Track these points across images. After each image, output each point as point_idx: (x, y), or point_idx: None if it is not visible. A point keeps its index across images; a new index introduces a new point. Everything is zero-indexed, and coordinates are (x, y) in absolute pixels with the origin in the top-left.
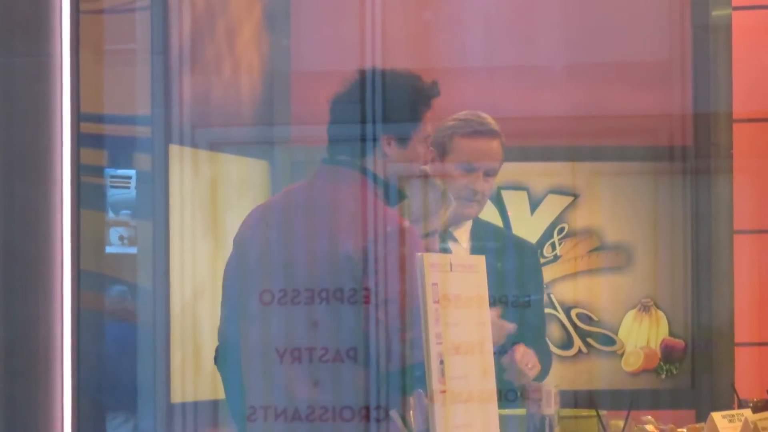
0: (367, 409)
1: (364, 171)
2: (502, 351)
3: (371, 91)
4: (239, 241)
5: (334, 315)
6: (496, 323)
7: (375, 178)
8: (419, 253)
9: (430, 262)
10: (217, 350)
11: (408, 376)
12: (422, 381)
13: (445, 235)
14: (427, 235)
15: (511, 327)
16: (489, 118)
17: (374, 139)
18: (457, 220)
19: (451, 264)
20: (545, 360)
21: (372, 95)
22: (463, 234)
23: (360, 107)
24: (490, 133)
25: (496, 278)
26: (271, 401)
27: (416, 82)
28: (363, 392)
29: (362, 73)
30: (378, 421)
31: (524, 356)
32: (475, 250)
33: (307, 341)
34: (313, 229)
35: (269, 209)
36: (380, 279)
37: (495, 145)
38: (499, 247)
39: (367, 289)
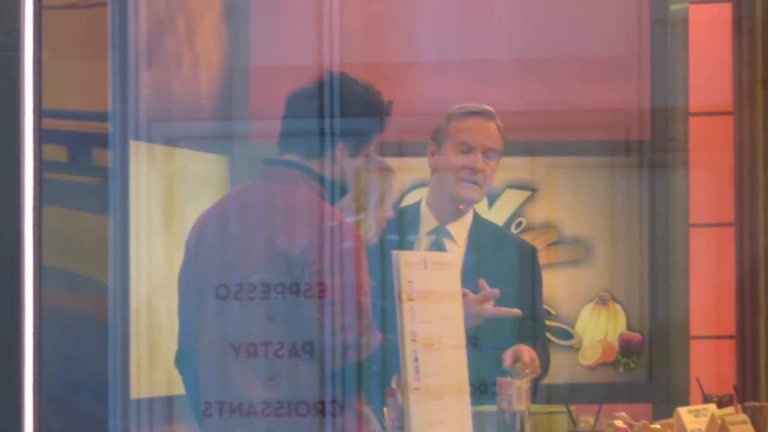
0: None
1: (302, 168)
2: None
3: (334, 94)
4: (188, 246)
5: (277, 311)
6: (477, 308)
7: (317, 176)
8: (395, 251)
9: (405, 260)
10: (177, 353)
11: (349, 372)
12: (377, 376)
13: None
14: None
15: (490, 311)
16: (483, 105)
17: (324, 139)
18: (455, 210)
19: (425, 261)
20: (544, 359)
21: (336, 99)
22: (461, 231)
23: (319, 107)
24: (485, 114)
25: (495, 277)
26: (223, 397)
27: (377, 97)
28: (311, 387)
29: (325, 73)
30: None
31: (532, 359)
32: (472, 247)
33: (256, 336)
34: (253, 229)
35: (213, 213)
36: (316, 276)
37: (492, 126)
38: (498, 247)
39: (306, 285)
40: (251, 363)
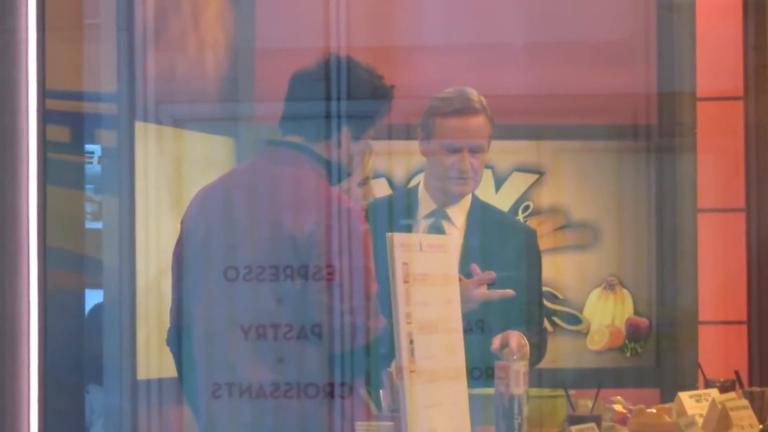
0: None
1: (306, 150)
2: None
3: (338, 77)
4: (184, 223)
5: (284, 294)
6: (471, 293)
7: (318, 158)
8: (389, 233)
9: (399, 242)
10: (168, 331)
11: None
12: (383, 359)
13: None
14: (362, 185)
15: (484, 294)
16: (472, 94)
17: (328, 121)
18: (452, 198)
19: (420, 243)
20: (542, 343)
21: (339, 82)
22: (459, 214)
23: (322, 89)
24: (469, 110)
25: (493, 260)
26: (226, 378)
27: (380, 81)
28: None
29: (330, 56)
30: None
31: (520, 346)
32: (470, 230)
33: (258, 317)
34: (255, 209)
35: (212, 191)
36: (323, 258)
37: (477, 121)
38: (497, 229)
39: (313, 268)
40: (251, 344)
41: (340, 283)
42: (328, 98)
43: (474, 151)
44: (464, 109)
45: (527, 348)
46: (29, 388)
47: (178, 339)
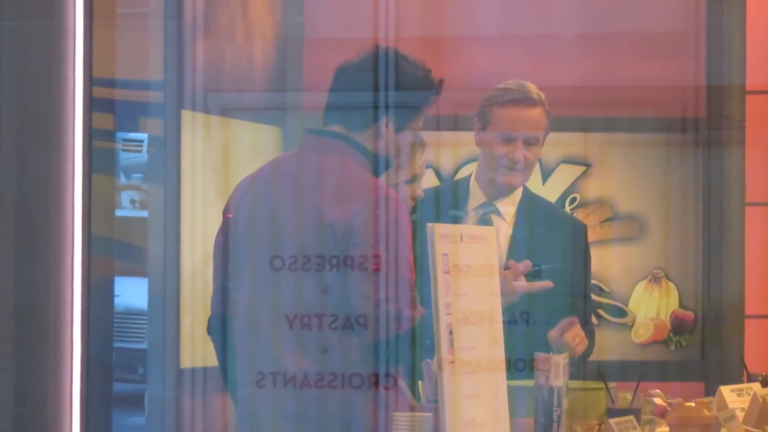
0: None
1: (348, 140)
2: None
3: (383, 69)
4: (227, 212)
5: (322, 284)
6: (510, 285)
7: (361, 148)
8: (429, 224)
9: (440, 233)
10: (210, 320)
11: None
12: (430, 349)
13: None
14: (409, 182)
15: (523, 286)
16: (531, 87)
17: (370, 112)
18: (501, 191)
19: (461, 234)
20: (590, 338)
21: (384, 74)
22: (509, 207)
23: (367, 80)
24: (527, 101)
25: (542, 253)
26: (268, 368)
27: (426, 74)
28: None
29: (376, 48)
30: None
31: (575, 334)
32: (520, 223)
33: (299, 308)
34: (297, 198)
35: (254, 180)
36: (362, 247)
37: (534, 113)
38: (547, 222)
39: (359, 258)
40: (294, 333)
41: (378, 273)
42: (371, 89)
43: (529, 143)
44: (522, 99)
45: (583, 345)
46: (72, 373)
47: (219, 328)
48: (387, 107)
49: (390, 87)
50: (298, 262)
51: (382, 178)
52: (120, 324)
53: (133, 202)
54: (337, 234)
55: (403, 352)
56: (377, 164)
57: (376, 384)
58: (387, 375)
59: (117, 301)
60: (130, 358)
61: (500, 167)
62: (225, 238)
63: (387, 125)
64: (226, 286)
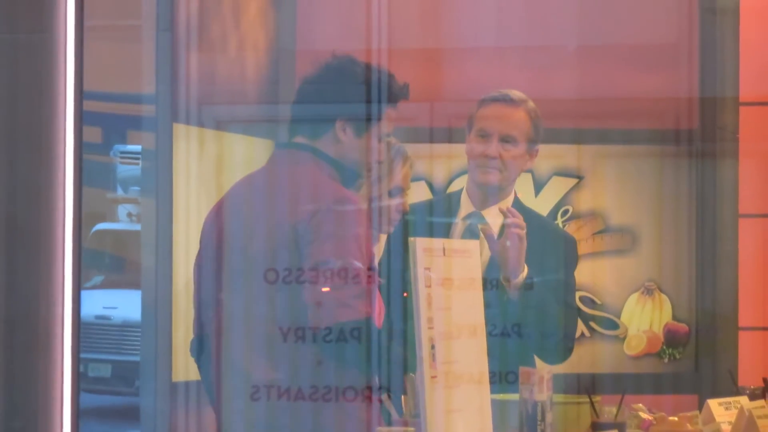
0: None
1: (315, 151)
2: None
3: (342, 78)
4: (202, 236)
5: (281, 293)
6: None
7: (327, 158)
8: (412, 238)
9: (422, 247)
10: (192, 342)
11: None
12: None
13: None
14: (389, 194)
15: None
16: (515, 92)
17: (330, 122)
18: (486, 196)
19: (444, 248)
20: (567, 349)
21: (343, 83)
22: (497, 217)
23: (327, 91)
24: (506, 101)
25: (529, 263)
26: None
27: (388, 80)
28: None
29: (333, 59)
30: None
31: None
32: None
33: (269, 321)
34: (269, 210)
35: (224, 201)
36: (314, 252)
37: (513, 112)
38: (535, 234)
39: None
40: (266, 348)
41: (328, 271)
42: (331, 100)
43: (505, 140)
44: (501, 99)
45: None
46: (63, 385)
47: (203, 349)
48: (339, 114)
49: (344, 95)
50: (278, 275)
51: (363, 190)
52: (117, 336)
53: (129, 215)
54: (296, 242)
55: (385, 366)
56: (345, 173)
57: (359, 398)
58: (369, 388)
59: (114, 313)
60: (126, 370)
61: (477, 167)
62: (200, 260)
63: (344, 130)
64: (205, 308)
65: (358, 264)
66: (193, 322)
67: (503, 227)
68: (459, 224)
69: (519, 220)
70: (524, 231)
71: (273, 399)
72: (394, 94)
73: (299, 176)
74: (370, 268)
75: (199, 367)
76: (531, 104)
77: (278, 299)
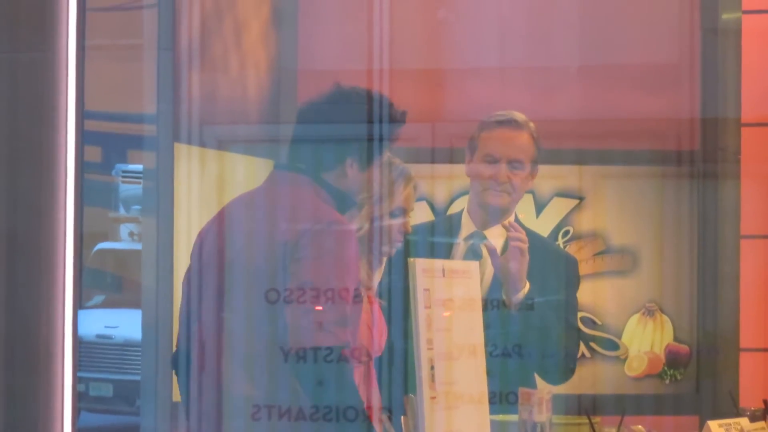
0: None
1: (313, 176)
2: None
3: (347, 105)
4: (193, 250)
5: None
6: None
7: (324, 183)
8: (411, 259)
9: (421, 268)
10: (174, 356)
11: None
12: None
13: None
14: (391, 215)
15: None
16: (519, 115)
17: (339, 150)
18: (492, 216)
19: (443, 269)
20: (569, 369)
21: (346, 110)
22: (498, 237)
23: (331, 118)
24: (511, 124)
25: (533, 285)
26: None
27: (388, 108)
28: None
29: (337, 87)
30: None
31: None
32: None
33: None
34: (258, 231)
35: (217, 217)
36: (302, 272)
37: (519, 136)
38: (536, 254)
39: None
40: (246, 367)
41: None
42: (330, 130)
43: (514, 166)
44: (506, 122)
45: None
46: (63, 403)
47: (184, 363)
48: (345, 142)
49: (351, 129)
50: (265, 294)
51: (364, 211)
52: (118, 356)
53: (131, 234)
54: (284, 254)
55: (386, 386)
56: (342, 199)
57: (360, 419)
58: (368, 409)
59: (115, 332)
60: (128, 390)
61: (487, 189)
62: (190, 278)
63: (352, 166)
64: (191, 322)
65: (342, 288)
66: (177, 336)
67: (506, 245)
68: (461, 244)
69: (521, 234)
70: (526, 245)
71: (264, 418)
72: (395, 122)
73: (293, 198)
74: (356, 293)
75: (178, 379)
76: (531, 125)
77: (264, 317)
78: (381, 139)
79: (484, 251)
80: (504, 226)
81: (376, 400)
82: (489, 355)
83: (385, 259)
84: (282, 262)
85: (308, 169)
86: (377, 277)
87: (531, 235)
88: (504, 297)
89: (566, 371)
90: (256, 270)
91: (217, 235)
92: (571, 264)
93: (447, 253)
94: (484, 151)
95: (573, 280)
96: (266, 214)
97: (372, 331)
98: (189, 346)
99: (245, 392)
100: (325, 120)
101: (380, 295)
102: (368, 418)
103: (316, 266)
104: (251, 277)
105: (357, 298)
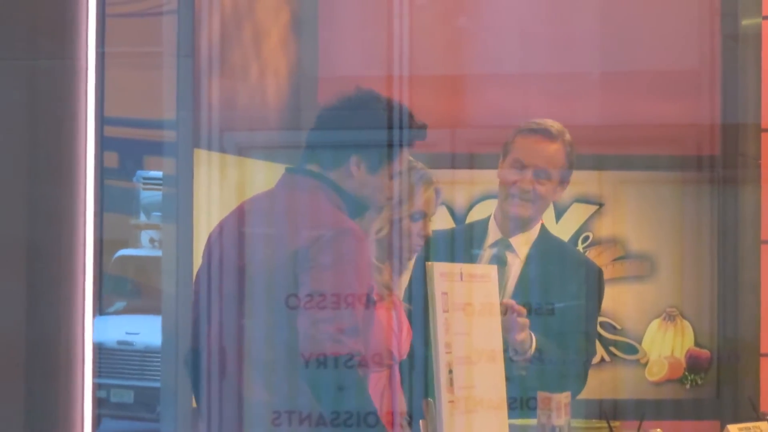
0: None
1: (323, 179)
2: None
3: (363, 110)
4: (205, 249)
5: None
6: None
7: (335, 187)
8: (429, 263)
9: (439, 272)
10: (187, 354)
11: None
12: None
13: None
14: (411, 218)
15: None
16: (554, 124)
17: (348, 152)
18: (514, 224)
19: (461, 273)
20: (581, 378)
21: (362, 114)
22: (523, 245)
23: (345, 121)
24: (544, 134)
25: (552, 293)
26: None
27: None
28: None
29: (355, 91)
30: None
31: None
32: (533, 261)
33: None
34: (269, 235)
35: (230, 217)
36: (314, 273)
37: (550, 146)
38: (561, 263)
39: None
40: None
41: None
42: (346, 131)
43: (539, 174)
44: (540, 131)
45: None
46: (83, 409)
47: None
48: (355, 147)
49: (367, 132)
50: (274, 298)
51: (383, 213)
52: (139, 362)
53: (152, 241)
54: (295, 260)
55: (405, 390)
56: (354, 205)
57: (377, 423)
58: (388, 414)
59: (136, 339)
60: (149, 396)
61: (510, 197)
62: (201, 277)
63: (358, 166)
64: (202, 322)
65: (350, 295)
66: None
67: (529, 254)
68: (486, 251)
69: (521, 310)
70: (527, 323)
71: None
72: (412, 135)
73: (305, 203)
74: (368, 299)
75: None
76: (568, 136)
77: (264, 319)
78: (390, 145)
79: (509, 258)
80: (503, 304)
81: (400, 405)
82: (508, 361)
83: (411, 263)
84: (288, 267)
85: (318, 172)
86: (403, 280)
87: (556, 242)
88: (511, 355)
89: (579, 381)
90: (262, 274)
91: (224, 236)
92: (596, 273)
93: (471, 260)
94: (513, 157)
95: (597, 289)
96: (277, 218)
97: (396, 334)
98: (198, 346)
99: (245, 392)
100: (340, 121)
101: (409, 300)
102: (383, 425)
103: (324, 274)
104: (254, 280)
105: (369, 304)
